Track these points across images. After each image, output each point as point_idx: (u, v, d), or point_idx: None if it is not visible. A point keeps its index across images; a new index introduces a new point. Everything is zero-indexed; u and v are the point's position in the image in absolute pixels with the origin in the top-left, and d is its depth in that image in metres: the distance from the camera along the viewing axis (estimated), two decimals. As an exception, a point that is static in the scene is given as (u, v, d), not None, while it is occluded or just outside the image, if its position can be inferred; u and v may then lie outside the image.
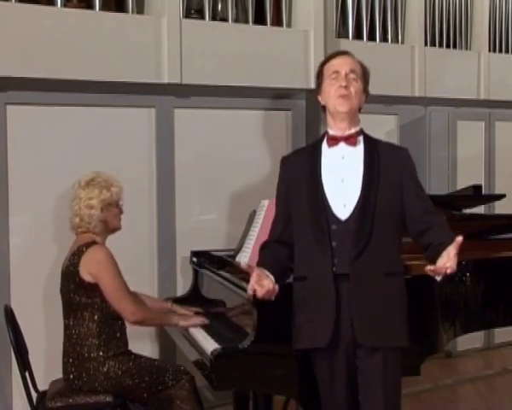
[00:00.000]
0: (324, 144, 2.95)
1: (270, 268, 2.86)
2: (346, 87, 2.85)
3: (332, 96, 2.89)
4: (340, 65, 2.90)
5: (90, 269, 3.35)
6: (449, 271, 2.68)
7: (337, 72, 2.88)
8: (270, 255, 2.95)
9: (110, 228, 3.53)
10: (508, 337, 6.00)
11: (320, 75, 2.97)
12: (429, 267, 2.71)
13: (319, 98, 2.98)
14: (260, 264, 2.90)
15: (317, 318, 2.81)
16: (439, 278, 2.79)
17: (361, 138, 2.94)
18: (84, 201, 3.44)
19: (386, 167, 2.88)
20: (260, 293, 2.75)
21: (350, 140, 2.90)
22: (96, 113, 4.33)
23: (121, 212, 3.57)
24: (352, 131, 2.92)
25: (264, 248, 3.01)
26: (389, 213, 2.86)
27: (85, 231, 3.46)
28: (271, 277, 2.82)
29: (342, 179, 2.87)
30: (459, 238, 2.66)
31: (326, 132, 2.98)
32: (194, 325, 3.57)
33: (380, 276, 2.82)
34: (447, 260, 2.66)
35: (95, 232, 3.46)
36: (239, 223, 4.19)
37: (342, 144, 2.91)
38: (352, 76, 2.88)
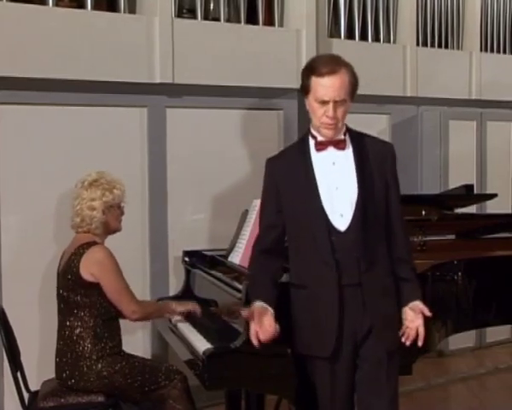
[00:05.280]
0: (312, 148, 2.83)
1: (267, 298, 2.80)
2: (333, 117, 2.71)
3: (317, 119, 2.75)
4: (328, 92, 2.69)
5: (91, 269, 3.34)
6: (420, 343, 2.80)
7: (324, 101, 2.70)
8: (264, 280, 2.86)
9: (110, 229, 3.53)
10: (499, 336, 6.03)
11: (306, 86, 2.75)
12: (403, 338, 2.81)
13: (305, 101, 2.82)
14: (257, 295, 2.82)
15: (320, 328, 2.77)
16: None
17: (348, 139, 2.83)
18: (87, 202, 3.43)
19: (377, 169, 2.81)
20: (264, 339, 2.73)
21: (339, 145, 2.80)
22: (88, 112, 4.32)
23: (122, 213, 3.57)
24: (341, 137, 2.81)
25: (256, 269, 2.91)
26: (382, 215, 2.82)
27: (86, 231, 3.45)
28: (270, 309, 2.77)
29: (336, 187, 2.78)
30: (426, 312, 2.82)
31: (310, 133, 2.84)
32: (190, 310, 3.64)
33: (386, 279, 2.82)
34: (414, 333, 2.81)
35: (95, 233, 3.46)
36: (231, 223, 4.17)
37: (331, 148, 2.80)
38: (339, 103, 2.70)
